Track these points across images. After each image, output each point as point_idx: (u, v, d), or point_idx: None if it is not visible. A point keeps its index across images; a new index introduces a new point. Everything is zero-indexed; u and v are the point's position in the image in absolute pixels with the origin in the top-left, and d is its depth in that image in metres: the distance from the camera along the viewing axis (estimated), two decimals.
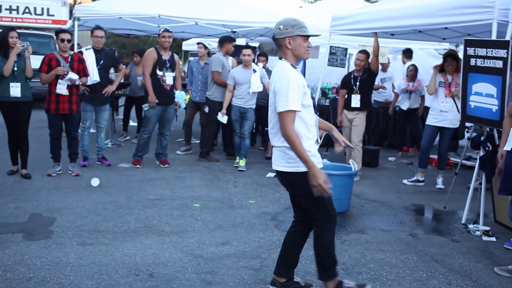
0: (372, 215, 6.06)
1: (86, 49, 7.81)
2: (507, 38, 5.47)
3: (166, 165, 8.04)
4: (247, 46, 8.52)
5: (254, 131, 9.62)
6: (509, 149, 4.39)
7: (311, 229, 3.90)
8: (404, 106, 9.96)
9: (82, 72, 7.26)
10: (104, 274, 4.12)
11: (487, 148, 5.58)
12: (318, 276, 3.88)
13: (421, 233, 5.48)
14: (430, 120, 7.47)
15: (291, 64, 3.63)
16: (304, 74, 9.61)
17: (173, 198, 6.36)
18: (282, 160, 3.64)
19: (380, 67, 11.19)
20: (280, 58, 3.70)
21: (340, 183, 6.00)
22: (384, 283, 4.19)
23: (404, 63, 11.38)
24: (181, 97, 8.02)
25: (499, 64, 5.36)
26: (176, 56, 8.17)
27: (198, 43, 9.35)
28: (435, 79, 7.39)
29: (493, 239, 5.35)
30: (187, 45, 17.67)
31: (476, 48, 5.64)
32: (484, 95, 5.58)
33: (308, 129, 3.64)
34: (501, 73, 5.34)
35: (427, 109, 9.33)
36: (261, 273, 4.28)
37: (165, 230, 5.20)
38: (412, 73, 9.89)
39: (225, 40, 8.72)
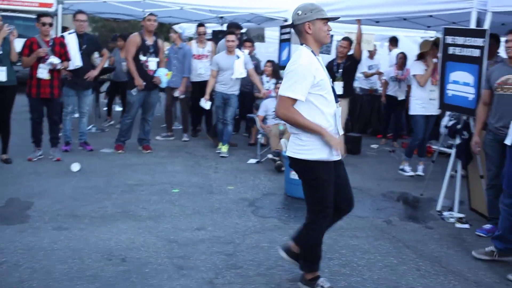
0: None
1: (68, 33, 7.77)
2: (485, 27, 5.49)
3: (149, 151, 8.06)
4: (231, 32, 8.51)
5: (237, 117, 9.64)
6: (509, 144, 4.37)
7: (342, 210, 3.88)
8: (399, 96, 9.80)
9: (64, 56, 7.24)
10: (77, 259, 4.15)
11: (463, 136, 5.63)
12: (300, 266, 3.87)
13: (396, 220, 5.55)
14: (420, 110, 7.41)
15: (312, 51, 3.58)
16: (289, 60, 9.72)
17: (153, 183, 6.39)
18: (296, 146, 3.64)
19: (367, 54, 11.27)
20: (301, 44, 3.65)
21: None
22: (354, 269, 4.25)
23: (390, 50, 11.42)
24: (162, 73, 7.95)
25: (476, 52, 5.39)
26: (160, 42, 8.15)
27: (170, 28, 9.42)
28: (431, 71, 7.32)
29: (467, 226, 5.42)
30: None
31: (455, 37, 5.66)
32: (461, 83, 5.61)
33: (326, 118, 3.59)
34: (478, 61, 5.37)
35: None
36: (234, 258, 4.32)
37: (142, 215, 5.23)
38: (402, 61, 9.80)
39: (231, 27, 8.97)
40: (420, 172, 7.55)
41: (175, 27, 9.32)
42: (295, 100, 3.51)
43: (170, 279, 3.89)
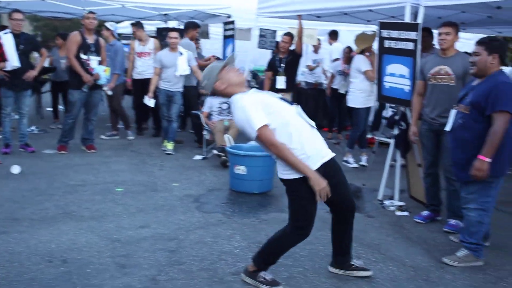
0: None
1: (4, 33, 7.56)
2: (418, 21, 5.65)
3: (93, 150, 7.95)
4: (173, 29, 8.48)
5: (182, 114, 9.62)
6: (448, 129, 4.50)
7: (343, 216, 4.01)
8: (341, 88, 9.82)
9: (0, 57, 7.04)
10: (16, 262, 4.07)
11: (400, 127, 5.79)
12: (254, 256, 3.92)
13: None
14: (364, 103, 7.63)
15: (242, 92, 3.65)
16: None
17: (96, 183, 6.31)
18: (281, 168, 3.68)
19: (312, 48, 11.42)
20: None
21: (262, 163, 6.13)
22: (297, 260, 4.33)
23: (330, 44, 11.56)
24: (101, 70, 7.82)
25: (410, 45, 5.55)
26: (101, 40, 8.04)
27: (102, 26, 9.30)
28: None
29: (406, 213, 5.59)
30: (120, 28, 17.35)
31: (390, 30, 5.82)
32: (398, 75, 5.78)
33: (300, 140, 3.60)
34: (412, 54, 5.54)
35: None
36: (177, 254, 4.33)
37: (84, 216, 5.17)
38: (348, 55, 9.83)
39: (189, 26, 8.99)
40: (364, 163, 7.73)
41: (107, 24, 9.16)
42: (266, 127, 3.55)
43: (112, 278, 3.86)
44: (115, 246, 4.45)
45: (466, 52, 8.30)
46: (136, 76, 9.11)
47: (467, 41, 11.51)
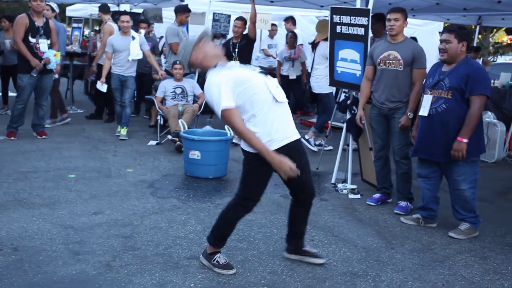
0: None
1: None
2: (369, 6, 5.74)
3: (44, 136, 7.77)
4: (125, 12, 8.34)
5: (135, 99, 9.51)
6: (425, 115, 4.66)
7: (302, 200, 3.99)
8: (291, 74, 9.85)
9: None
10: None
11: (352, 112, 5.90)
12: (208, 236, 3.94)
13: None
14: (331, 88, 7.70)
15: (218, 65, 3.64)
16: None
17: (48, 169, 6.19)
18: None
19: (267, 33, 11.44)
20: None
21: (216, 148, 6.14)
22: (251, 243, 4.38)
23: (288, 30, 11.59)
24: (51, 54, 7.61)
25: (361, 31, 5.65)
26: (51, 23, 7.82)
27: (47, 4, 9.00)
28: None
29: (358, 196, 5.72)
30: (70, 11, 16.95)
31: (341, 16, 5.90)
32: (349, 60, 5.88)
33: (265, 118, 3.56)
34: (362, 39, 5.64)
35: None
36: (131, 240, 4.31)
37: (36, 203, 5.07)
38: (292, 40, 9.90)
39: (179, 10, 8.62)
40: (329, 147, 7.80)
41: (52, 4, 8.84)
42: (232, 110, 3.53)
43: (65, 265, 3.82)
44: (68, 233, 4.40)
45: (412, 37, 8.57)
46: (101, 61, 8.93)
47: (417, 27, 11.79)
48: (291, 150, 3.65)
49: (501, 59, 20.92)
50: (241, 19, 8.10)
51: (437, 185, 4.91)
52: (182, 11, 8.62)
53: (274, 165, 3.52)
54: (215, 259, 3.86)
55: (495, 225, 5.10)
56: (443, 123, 4.57)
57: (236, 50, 7.96)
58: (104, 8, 9.17)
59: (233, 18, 10.96)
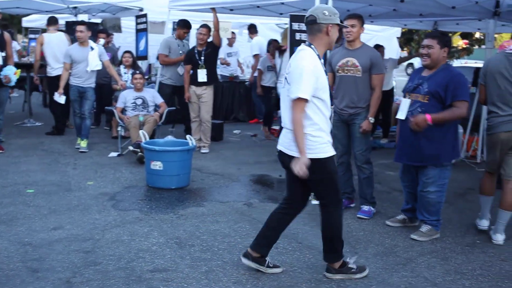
0: (212, 188, 6.22)
1: None
2: None
3: (0, 151, 7.57)
4: (81, 22, 8.22)
5: (95, 110, 9.38)
6: (403, 118, 4.72)
7: (299, 211, 4.05)
8: (274, 84, 9.42)
9: None
10: None
11: None
12: (326, 258, 3.96)
13: (256, 202, 5.73)
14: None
15: (317, 54, 3.66)
16: (146, 50, 9.59)
17: (5, 185, 6.03)
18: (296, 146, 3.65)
19: (226, 41, 11.42)
20: (309, 45, 3.68)
21: (179, 158, 6.09)
22: (215, 253, 4.34)
23: (251, 38, 11.58)
24: (11, 72, 7.44)
25: None
26: (6, 35, 7.66)
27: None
28: None
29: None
30: (27, 22, 16.63)
31: (300, 23, 5.94)
32: None
33: (326, 120, 3.72)
34: None
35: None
36: (92, 255, 4.22)
37: None
38: (275, 49, 9.44)
39: (178, 24, 8.74)
40: None
41: None
42: (305, 102, 3.55)
43: (24, 283, 3.71)
44: (27, 250, 4.28)
45: (378, 45, 8.70)
46: (52, 73, 8.76)
47: (375, 33, 11.97)
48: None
49: (457, 63, 21.41)
50: (205, 26, 8.08)
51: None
52: (181, 26, 8.73)
53: (301, 163, 3.59)
54: (349, 267, 3.94)
55: (455, 226, 5.19)
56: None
57: (202, 58, 7.93)
58: (48, 20, 9.09)
59: (194, 26, 10.96)
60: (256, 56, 10.55)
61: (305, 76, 3.53)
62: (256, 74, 9.97)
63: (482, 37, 19.55)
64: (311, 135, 3.66)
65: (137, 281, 3.80)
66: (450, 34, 21.67)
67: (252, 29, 11.53)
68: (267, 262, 4.00)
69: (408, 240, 4.75)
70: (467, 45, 23.98)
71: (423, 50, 4.64)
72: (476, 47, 24.48)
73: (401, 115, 4.75)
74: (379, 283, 3.90)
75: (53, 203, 5.45)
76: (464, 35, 22.82)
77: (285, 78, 3.77)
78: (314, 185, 3.85)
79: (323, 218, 3.93)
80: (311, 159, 3.64)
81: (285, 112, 3.78)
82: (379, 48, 9.06)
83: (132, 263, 4.10)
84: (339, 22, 3.72)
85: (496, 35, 8.51)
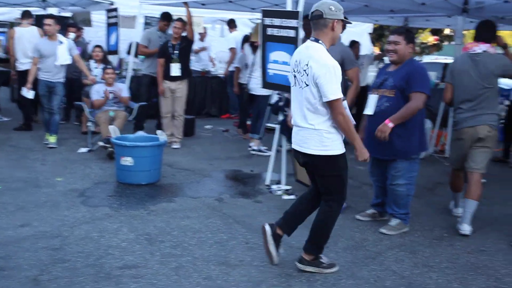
0: (183, 184, 6.19)
1: None
2: (299, 9, 5.80)
3: None
4: (49, 16, 8.08)
5: (65, 105, 9.25)
6: (371, 113, 4.78)
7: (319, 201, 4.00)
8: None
9: None
10: None
11: (285, 113, 5.94)
12: (306, 247, 3.97)
13: (227, 197, 5.73)
14: (267, 91, 7.66)
15: (326, 49, 3.70)
16: (117, 45, 9.49)
17: None
18: (317, 144, 3.70)
19: (198, 36, 11.35)
20: (316, 40, 3.71)
21: (149, 154, 6.05)
22: (186, 249, 4.32)
23: (231, 33, 11.46)
24: None
25: (292, 33, 5.70)
26: None
27: None
28: None
29: (292, 197, 5.75)
30: None
31: (272, 18, 5.93)
32: (281, 62, 5.91)
33: None
34: (293, 41, 5.68)
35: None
36: (61, 252, 4.16)
37: None
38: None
39: (160, 16, 8.81)
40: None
41: None
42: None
43: None
44: None
45: (354, 41, 8.77)
46: (21, 67, 8.60)
47: (347, 29, 12.03)
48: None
49: (427, 59, 21.66)
50: (180, 20, 8.01)
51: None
52: (162, 18, 8.77)
53: (361, 150, 3.81)
54: (321, 262, 3.96)
55: (424, 219, 5.26)
56: (385, 120, 4.66)
57: (176, 52, 7.88)
58: (22, 13, 8.97)
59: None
60: (232, 50, 10.49)
61: (336, 75, 3.60)
62: (231, 68, 9.96)
63: (452, 34, 19.82)
64: (326, 131, 3.71)
65: (106, 278, 3.76)
66: (421, 30, 21.96)
67: (232, 24, 11.46)
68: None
69: (378, 234, 4.81)
70: (437, 41, 24.29)
71: (390, 46, 4.71)
72: (446, 43, 24.81)
73: (369, 110, 4.81)
74: (349, 277, 3.93)
75: (20, 200, 5.36)
76: (434, 31, 23.08)
77: (294, 76, 3.81)
78: (323, 181, 3.88)
79: (321, 212, 3.94)
80: (324, 156, 3.72)
81: (297, 110, 3.83)
82: (355, 44, 9.16)
83: (101, 260, 4.06)
84: (343, 18, 3.76)
85: (465, 32, 8.61)
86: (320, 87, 3.59)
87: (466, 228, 4.86)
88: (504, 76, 5.12)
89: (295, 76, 3.79)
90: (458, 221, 5.01)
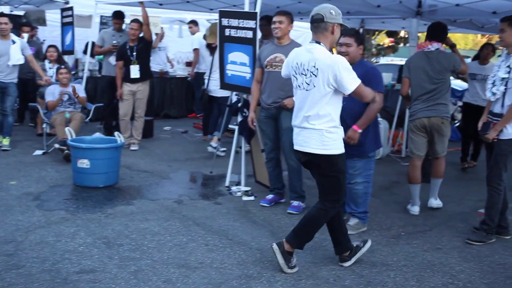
0: (141, 186, 6.12)
1: None
2: (256, 10, 5.81)
3: None
4: (2, 14, 7.86)
5: (18, 107, 9.02)
6: None
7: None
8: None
9: None
10: None
11: (244, 114, 5.94)
12: (289, 238, 3.99)
13: (186, 199, 5.69)
14: (224, 92, 7.64)
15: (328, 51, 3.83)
16: (73, 44, 9.31)
17: None
18: (318, 143, 3.82)
19: (155, 37, 11.22)
20: (318, 43, 3.81)
21: (106, 156, 5.96)
22: (145, 252, 4.27)
23: (193, 33, 11.32)
24: None
25: (249, 34, 5.70)
26: None
27: None
28: None
29: (252, 198, 5.76)
30: None
31: (230, 19, 5.92)
32: (239, 63, 5.91)
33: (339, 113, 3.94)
34: (251, 42, 5.69)
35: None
36: (15, 257, 4.04)
37: None
38: None
39: (112, 16, 8.75)
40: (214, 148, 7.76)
41: None
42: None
43: None
44: None
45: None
46: None
47: (304, 30, 12.10)
48: None
49: (383, 60, 22.08)
50: (136, 21, 7.91)
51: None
52: (113, 17, 8.72)
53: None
54: (292, 261, 4.00)
55: (381, 218, 5.35)
56: (340, 120, 4.70)
57: (134, 53, 7.78)
58: None
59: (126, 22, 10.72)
60: (196, 51, 10.39)
61: (347, 67, 3.76)
62: (197, 70, 9.93)
63: (407, 36, 20.25)
64: (327, 131, 3.83)
65: (63, 284, 3.68)
66: (377, 32, 22.35)
67: (193, 24, 11.35)
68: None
69: None
70: (393, 43, 24.78)
71: (342, 48, 4.75)
72: (402, 45, 25.33)
73: None
74: (308, 277, 3.96)
75: None
76: (390, 33, 23.53)
77: (296, 78, 3.92)
78: (322, 180, 4.01)
79: (316, 209, 4.00)
80: (324, 155, 3.85)
81: (298, 111, 3.95)
82: None
83: (58, 265, 3.97)
84: (341, 22, 3.88)
85: (419, 34, 8.80)
86: (339, 83, 3.75)
87: (433, 202, 5.66)
88: (454, 71, 5.70)
89: (296, 78, 3.92)
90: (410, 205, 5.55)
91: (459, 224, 5.29)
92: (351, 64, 4.74)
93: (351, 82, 3.76)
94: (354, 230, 4.89)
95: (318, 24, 3.82)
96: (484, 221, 4.84)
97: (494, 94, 4.71)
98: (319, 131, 3.83)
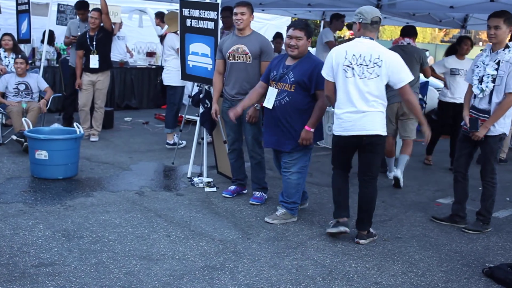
0: (101, 178, 6.02)
1: None
2: (218, 1, 5.77)
3: None
4: None
5: None
6: (270, 107, 4.81)
7: (366, 180, 4.53)
8: None
9: None
10: None
11: (206, 105, 5.91)
12: (362, 227, 4.55)
13: (148, 191, 5.63)
14: (181, 81, 7.50)
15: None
16: (29, 33, 9.06)
17: None
18: (381, 125, 4.34)
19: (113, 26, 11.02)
20: (372, 39, 4.35)
21: (65, 147, 5.85)
22: (106, 244, 4.21)
23: (161, 27, 11.11)
24: None
25: (211, 25, 5.67)
26: None
27: None
28: None
29: (214, 189, 5.75)
30: None
31: (191, 9, 5.87)
32: (200, 54, 5.87)
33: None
34: (213, 33, 5.66)
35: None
36: None
37: None
38: None
39: (74, 6, 8.80)
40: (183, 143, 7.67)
41: None
42: None
43: None
44: None
45: (278, 33, 8.85)
46: None
47: (266, 21, 12.15)
48: None
49: None
50: (97, 10, 7.74)
51: None
52: (76, 7, 8.69)
53: (426, 127, 4.43)
54: (372, 233, 4.61)
55: None
56: (286, 114, 4.76)
57: (94, 43, 7.62)
58: None
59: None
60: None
61: (403, 64, 4.31)
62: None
63: None
64: (384, 113, 4.41)
65: (21, 278, 3.60)
66: None
67: (161, 16, 11.13)
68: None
69: (299, 224, 4.89)
70: (353, 36, 25.01)
71: (292, 41, 4.72)
72: None
73: (269, 104, 4.85)
74: (271, 267, 3.98)
75: None
76: (350, 26, 23.75)
77: (352, 68, 4.29)
78: (374, 160, 4.47)
79: (369, 191, 4.50)
80: (382, 136, 4.39)
81: (356, 99, 4.32)
82: (279, 36, 9.24)
83: (15, 258, 3.88)
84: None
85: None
86: (396, 75, 4.25)
87: (398, 173, 6.26)
88: (421, 65, 6.54)
89: (353, 68, 4.28)
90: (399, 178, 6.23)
91: (417, 214, 5.41)
92: (299, 57, 4.79)
93: (406, 77, 4.31)
94: (280, 220, 4.89)
95: (376, 25, 4.38)
96: (480, 212, 5.01)
97: (483, 90, 4.79)
98: (381, 113, 4.34)
